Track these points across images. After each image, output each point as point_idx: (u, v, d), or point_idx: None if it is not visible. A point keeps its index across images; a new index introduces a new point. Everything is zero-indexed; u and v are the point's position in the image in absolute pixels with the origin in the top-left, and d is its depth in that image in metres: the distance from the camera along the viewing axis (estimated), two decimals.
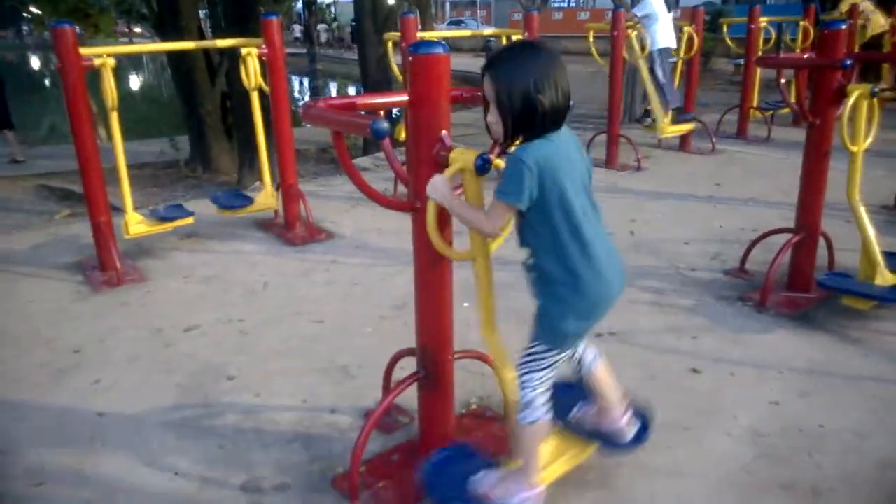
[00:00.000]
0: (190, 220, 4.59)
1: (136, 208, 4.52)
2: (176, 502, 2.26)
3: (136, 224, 4.41)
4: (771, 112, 8.56)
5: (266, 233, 5.07)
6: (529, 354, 1.99)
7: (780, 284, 3.74)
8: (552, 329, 1.93)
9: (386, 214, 5.32)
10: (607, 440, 2.21)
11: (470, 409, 2.73)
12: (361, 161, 7.73)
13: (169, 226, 4.55)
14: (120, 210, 4.49)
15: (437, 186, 1.92)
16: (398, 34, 5.55)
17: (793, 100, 3.75)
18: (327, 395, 2.88)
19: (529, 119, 1.78)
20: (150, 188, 7.23)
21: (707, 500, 2.22)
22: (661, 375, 2.97)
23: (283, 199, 5.01)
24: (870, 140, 3.45)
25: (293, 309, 3.73)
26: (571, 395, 2.31)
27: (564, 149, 1.82)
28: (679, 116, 7.15)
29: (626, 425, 2.20)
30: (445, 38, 5.48)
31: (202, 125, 8.97)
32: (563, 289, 1.86)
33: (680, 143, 7.77)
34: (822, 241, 3.74)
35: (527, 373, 1.99)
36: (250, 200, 4.96)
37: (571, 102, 1.83)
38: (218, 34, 9.54)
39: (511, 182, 1.78)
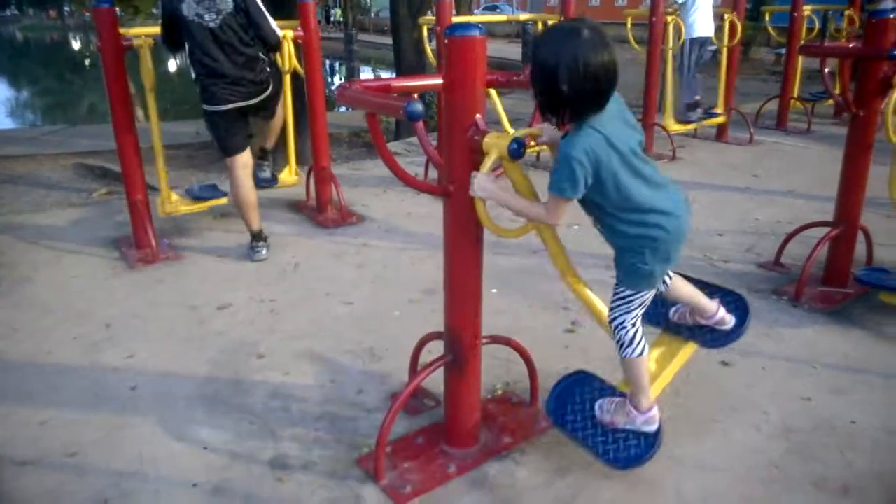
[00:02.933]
0: (224, 200, 4.65)
1: (171, 188, 4.59)
2: (205, 476, 2.30)
3: (171, 203, 4.48)
4: (812, 103, 8.36)
5: (298, 215, 5.11)
6: (619, 298, 2.11)
7: (816, 279, 3.67)
8: (636, 273, 2.02)
9: (416, 199, 5.37)
10: (708, 335, 2.35)
11: (496, 394, 2.73)
12: (393, 146, 7.74)
13: (203, 205, 4.62)
14: (156, 189, 4.56)
15: (483, 185, 1.94)
16: (433, 18, 5.53)
17: (836, 91, 3.65)
18: (355, 375, 2.91)
19: (555, 102, 1.82)
20: (185, 168, 7.30)
21: (734, 494, 2.19)
22: (691, 367, 2.92)
23: (315, 181, 5.05)
24: None
25: (323, 290, 3.77)
26: (665, 301, 2.43)
27: (611, 131, 1.83)
28: (692, 114, 7.05)
29: (722, 317, 2.32)
30: (480, 23, 5.44)
31: None
32: (638, 238, 1.95)
33: (717, 133, 7.64)
34: (860, 237, 3.65)
35: (619, 315, 2.11)
36: (274, 180, 4.95)
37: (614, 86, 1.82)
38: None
39: (564, 178, 1.84)
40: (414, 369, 2.65)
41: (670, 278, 2.27)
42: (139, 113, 9.65)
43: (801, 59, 8.17)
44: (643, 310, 2.13)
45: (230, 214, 4.97)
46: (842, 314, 3.40)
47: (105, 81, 4.09)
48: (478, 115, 1.96)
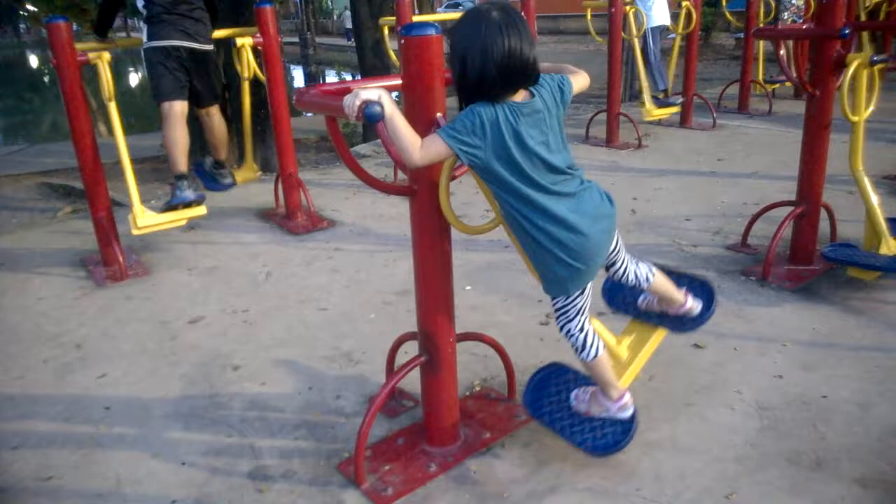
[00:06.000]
0: (203, 209, 4.35)
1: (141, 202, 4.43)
2: (185, 492, 2.28)
3: (144, 219, 4.24)
4: (773, 86, 8.49)
5: (268, 223, 5.08)
6: (556, 309, 2.14)
7: (783, 258, 3.73)
8: (548, 279, 2.04)
9: (386, 201, 5.36)
10: (676, 322, 2.41)
11: (474, 391, 2.74)
12: (361, 148, 7.71)
13: (180, 219, 4.28)
14: (121, 204, 4.49)
15: (381, 93, 1.74)
16: (394, 19, 5.52)
17: (793, 72, 3.71)
18: (332, 381, 2.90)
19: (461, 87, 1.84)
20: (151, 182, 7.22)
21: (711, 474, 2.22)
22: (663, 351, 2.95)
23: (283, 188, 5.01)
24: (871, 110, 3.42)
25: (297, 297, 3.75)
26: (634, 289, 2.50)
27: (526, 119, 1.82)
28: (664, 99, 7.15)
29: (691, 306, 2.38)
30: (442, 21, 5.44)
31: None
32: (541, 236, 1.93)
33: (681, 120, 7.73)
34: (824, 214, 3.72)
35: (564, 324, 2.15)
36: (234, 183, 5.10)
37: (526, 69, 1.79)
38: (214, 25, 9.49)
39: (458, 122, 1.79)
40: (391, 371, 2.65)
41: (653, 274, 2.29)
42: (101, 128, 9.52)
43: (761, 42, 8.29)
44: (587, 313, 2.14)
45: (197, 227, 4.93)
46: (809, 291, 3.46)
47: (63, 97, 4.03)
48: (438, 114, 1.97)
